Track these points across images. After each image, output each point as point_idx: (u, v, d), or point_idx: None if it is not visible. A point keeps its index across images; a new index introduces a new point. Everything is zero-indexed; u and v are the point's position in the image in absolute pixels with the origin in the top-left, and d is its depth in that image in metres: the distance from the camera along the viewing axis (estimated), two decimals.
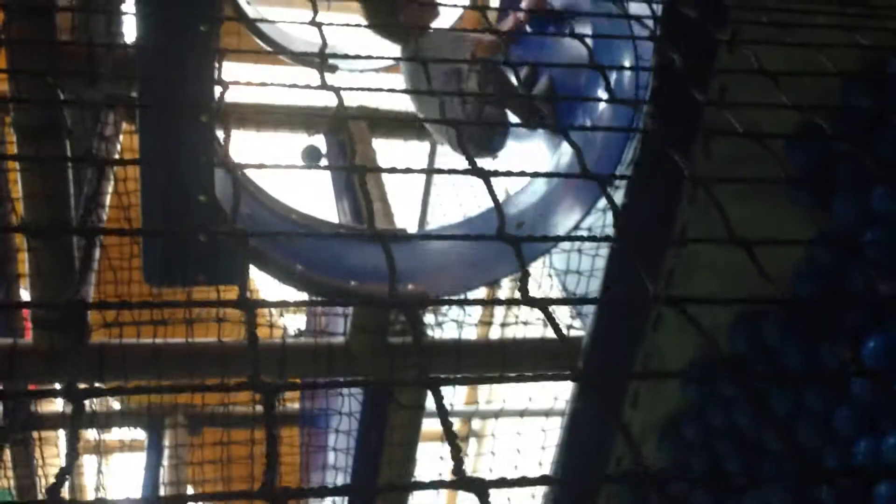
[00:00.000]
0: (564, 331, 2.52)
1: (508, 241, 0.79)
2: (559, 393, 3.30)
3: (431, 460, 4.09)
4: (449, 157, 3.71)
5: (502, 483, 0.60)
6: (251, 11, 3.72)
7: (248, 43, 4.11)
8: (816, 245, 2.21)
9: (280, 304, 0.81)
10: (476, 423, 5.56)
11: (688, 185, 2.12)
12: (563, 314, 3.07)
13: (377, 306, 2.43)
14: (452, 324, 3.11)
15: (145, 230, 2.10)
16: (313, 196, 3.81)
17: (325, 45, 1.02)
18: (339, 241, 2.73)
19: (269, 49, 3.57)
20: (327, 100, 4.09)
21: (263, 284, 4.40)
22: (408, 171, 0.94)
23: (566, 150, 2.83)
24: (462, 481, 0.57)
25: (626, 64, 2.32)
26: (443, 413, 0.63)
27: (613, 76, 2.46)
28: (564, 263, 2.74)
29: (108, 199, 3.21)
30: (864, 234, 1.98)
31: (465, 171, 0.89)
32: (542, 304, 0.75)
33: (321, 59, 0.98)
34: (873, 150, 1.85)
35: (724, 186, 2.26)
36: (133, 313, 2.70)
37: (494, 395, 4.88)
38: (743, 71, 1.30)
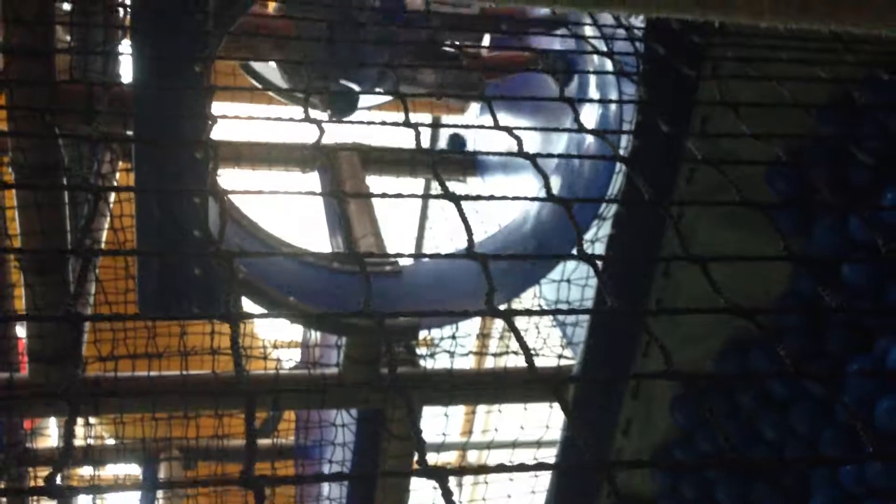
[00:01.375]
0: (556, 361, 2.54)
1: (476, 258, 0.83)
2: (551, 422, 3.32)
3: (425, 489, 4.09)
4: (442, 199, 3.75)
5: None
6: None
7: (244, 84, 4.19)
8: (799, 273, 2.26)
9: (263, 315, 0.85)
10: (472, 456, 5.56)
11: (672, 212, 2.17)
12: (554, 343, 3.10)
13: (365, 335, 2.46)
14: (445, 355, 3.14)
15: (140, 253, 2.14)
16: (308, 231, 3.86)
17: (310, 81, 1.07)
18: (330, 273, 2.77)
19: (260, 87, 3.64)
20: (322, 137, 4.16)
21: (259, 325, 4.44)
22: (384, 195, 0.99)
23: (554, 182, 2.88)
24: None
25: (613, 98, 2.38)
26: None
27: (600, 111, 2.52)
28: (555, 294, 2.78)
29: (104, 235, 3.25)
30: (843, 258, 2.04)
31: (437, 196, 0.93)
32: (506, 315, 0.79)
33: (306, 96, 1.03)
34: (847, 178, 1.91)
35: (707, 215, 2.32)
36: (128, 347, 2.73)
37: (488, 426, 4.89)
38: (722, 103, 1.36)
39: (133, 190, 2.31)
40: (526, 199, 1.04)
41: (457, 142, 4.08)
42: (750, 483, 2.43)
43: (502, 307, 2.99)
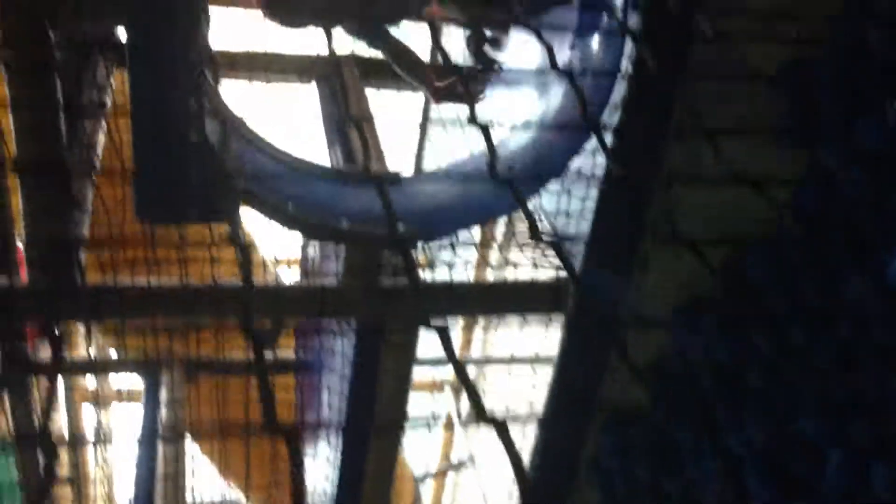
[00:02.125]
0: (554, 272, 2.53)
1: (501, 180, 0.81)
2: (549, 337, 3.34)
3: (423, 406, 4.16)
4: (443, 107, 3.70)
5: None
6: None
7: None
8: (801, 187, 2.24)
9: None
10: (471, 371, 5.62)
11: (674, 123, 2.13)
12: (552, 255, 3.09)
13: (369, 244, 2.45)
14: (445, 267, 3.14)
15: (137, 148, 2.12)
16: (306, 142, 3.82)
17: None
18: (331, 182, 2.74)
19: None
20: (319, 48, 4.09)
21: (255, 226, 4.42)
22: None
23: (555, 92, 2.83)
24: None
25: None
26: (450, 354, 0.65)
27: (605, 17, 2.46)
28: (554, 205, 2.76)
29: (100, 148, 3.22)
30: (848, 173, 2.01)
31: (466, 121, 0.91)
32: (510, 183, 0.77)
33: None
34: (857, 86, 1.87)
35: (711, 126, 2.28)
36: (127, 255, 2.72)
37: (487, 342, 4.94)
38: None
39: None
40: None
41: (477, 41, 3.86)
42: (739, 392, 2.46)
43: (503, 219, 2.98)
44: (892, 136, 1.83)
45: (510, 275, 2.95)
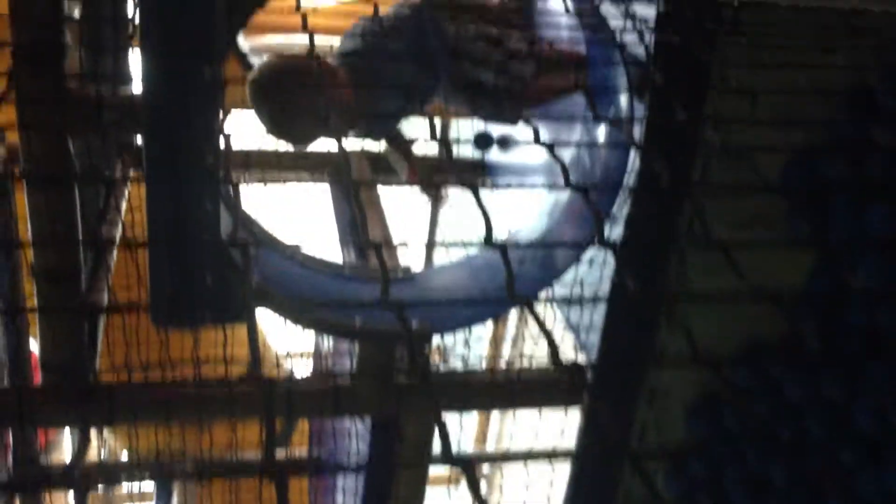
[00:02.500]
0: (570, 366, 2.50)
1: (495, 247, 0.82)
2: (565, 428, 3.30)
3: (440, 501, 4.07)
4: (454, 199, 3.75)
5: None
6: (255, 59, 3.80)
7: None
8: (816, 274, 2.23)
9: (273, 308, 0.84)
10: (485, 469, 5.53)
11: (685, 213, 2.14)
12: (567, 348, 3.08)
13: (380, 339, 2.44)
14: (459, 362, 3.12)
15: (152, 253, 2.14)
16: (320, 239, 3.85)
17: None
18: (343, 279, 2.76)
19: None
20: (330, 146, 4.17)
21: (269, 327, 4.43)
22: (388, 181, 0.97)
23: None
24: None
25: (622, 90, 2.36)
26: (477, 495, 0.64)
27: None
28: (567, 293, 2.77)
29: (114, 251, 3.25)
30: (861, 260, 2.00)
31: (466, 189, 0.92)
32: (526, 301, 0.77)
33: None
34: (866, 172, 1.88)
35: (724, 220, 2.29)
36: (141, 357, 2.72)
37: (502, 435, 4.87)
38: (735, 91, 1.34)
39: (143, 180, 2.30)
40: (543, 186, 1.02)
41: (484, 141, 3.90)
42: (764, 493, 2.40)
43: (514, 310, 2.99)
44: None
45: (524, 367, 2.93)
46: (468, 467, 0.63)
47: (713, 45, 1.32)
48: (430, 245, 4.65)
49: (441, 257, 4.53)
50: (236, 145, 3.91)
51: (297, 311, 2.51)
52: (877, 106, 1.70)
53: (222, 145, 1.63)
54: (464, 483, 4.60)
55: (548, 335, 0.75)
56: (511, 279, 0.77)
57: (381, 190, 3.97)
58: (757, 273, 2.12)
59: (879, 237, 1.82)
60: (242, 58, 3.65)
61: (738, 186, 1.04)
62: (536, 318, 0.76)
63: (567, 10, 2.38)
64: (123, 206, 2.98)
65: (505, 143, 3.18)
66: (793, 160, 1.90)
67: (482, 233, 0.89)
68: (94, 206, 2.56)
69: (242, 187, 4.08)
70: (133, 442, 4.33)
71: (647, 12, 1.40)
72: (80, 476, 3.45)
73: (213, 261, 2.23)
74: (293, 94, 2.43)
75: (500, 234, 3.08)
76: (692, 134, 1.01)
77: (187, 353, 2.81)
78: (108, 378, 2.78)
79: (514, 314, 4.23)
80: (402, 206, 4.44)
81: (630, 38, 1.36)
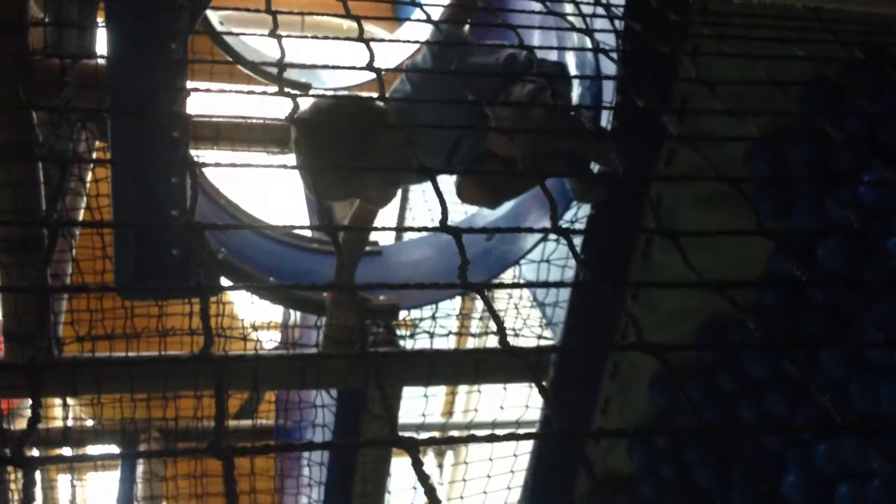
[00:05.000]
0: (536, 341, 2.53)
1: (450, 232, 0.82)
2: (531, 402, 3.33)
3: (405, 473, 4.10)
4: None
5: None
6: (223, 30, 3.74)
7: (222, 69, 4.14)
8: (776, 257, 2.27)
9: (232, 287, 0.84)
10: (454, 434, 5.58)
11: (651, 195, 2.17)
12: (534, 323, 3.11)
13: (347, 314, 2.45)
14: (426, 336, 3.14)
15: (114, 226, 2.11)
16: (289, 214, 3.84)
17: (283, 55, 1.05)
18: (311, 254, 2.75)
19: (230, 60, 3.60)
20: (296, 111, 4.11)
21: (238, 299, 4.42)
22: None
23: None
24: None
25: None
26: (420, 472, 0.65)
27: (578, 90, 2.51)
28: (534, 274, 2.78)
29: (80, 216, 3.21)
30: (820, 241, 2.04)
31: (417, 169, 0.92)
32: (479, 289, 0.78)
33: (279, 70, 1.02)
34: (826, 159, 1.91)
35: (687, 199, 2.32)
36: (106, 327, 2.70)
37: (469, 407, 4.91)
38: (700, 81, 1.35)
39: (102, 163, 2.28)
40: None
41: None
42: (726, 463, 2.45)
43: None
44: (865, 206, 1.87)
45: (491, 343, 2.95)
46: (412, 449, 0.65)
47: (680, 35, 1.34)
48: (401, 219, 4.65)
49: (411, 233, 4.54)
50: (205, 117, 3.87)
51: (264, 284, 2.51)
52: (838, 96, 1.72)
53: (187, 114, 1.62)
54: (431, 453, 4.63)
55: (496, 318, 0.76)
56: (465, 266, 0.78)
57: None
58: (720, 251, 2.16)
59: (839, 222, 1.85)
60: (211, 32, 3.59)
61: (699, 176, 1.06)
62: (486, 302, 0.77)
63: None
64: (88, 177, 2.94)
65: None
66: (756, 146, 1.92)
67: (439, 217, 0.89)
68: (59, 178, 2.52)
69: (210, 157, 4.04)
70: (97, 410, 4.32)
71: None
72: (25, 452, 3.43)
73: (178, 234, 2.22)
74: (346, 138, 1.94)
75: (458, 217, 3.08)
76: (657, 122, 1.02)
77: (152, 324, 2.80)
78: (71, 349, 2.76)
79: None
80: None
81: (600, 26, 1.35)
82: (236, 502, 0.55)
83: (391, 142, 1.89)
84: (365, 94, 2.76)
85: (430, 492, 0.59)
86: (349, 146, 1.91)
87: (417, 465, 0.61)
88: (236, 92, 3.15)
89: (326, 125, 1.91)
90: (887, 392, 1.87)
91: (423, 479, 0.60)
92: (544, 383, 2.64)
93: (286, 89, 0.94)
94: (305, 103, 2.02)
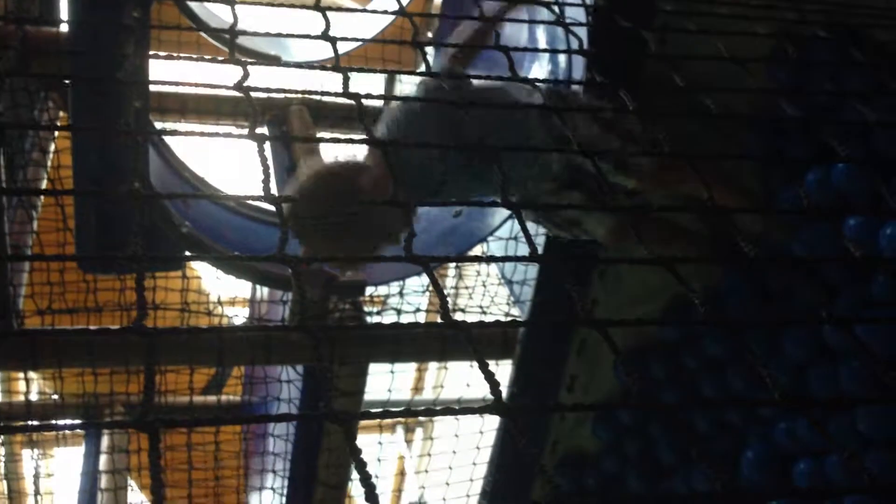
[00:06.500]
0: (504, 318, 2.52)
1: (400, 206, 0.82)
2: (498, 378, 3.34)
3: (370, 447, 4.13)
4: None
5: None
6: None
7: (189, 39, 4.07)
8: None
9: (181, 258, 0.83)
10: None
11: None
12: (501, 300, 3.11)
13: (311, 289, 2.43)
14: (394, 312, 3.13)
15: (73, 192, 2.08)
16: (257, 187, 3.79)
17: (235, 21, 1.04)
18: (275, 227, 2.73)
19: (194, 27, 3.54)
20: (272, 90, 4.06)
21: (205, 273, 4.37)
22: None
23: None
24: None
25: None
26: (353, 447, 0.64)
27: (549, 67, 2.50)
28: (502, 251, 2.78)
29: (42, 185, 3.16)
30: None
31: (364, 142, 0.91)
32: (425, 262, 0.78)
33: (231, 36, 1.00)
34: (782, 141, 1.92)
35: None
36: (67, 301, 2.67)
37: (438, 382, 4.93)
38: (661, 57, 1.34)
39: (68, 129, 2.23)
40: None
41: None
42: (688, 440, 2.48)
43: (452, 266, 2.95)
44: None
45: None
46: (347, 423, 0.64)
47: (649, 13, 1.33)
48: None
49: None
50: (172, 88, 3.80)
51: (229, 259, 2.49)
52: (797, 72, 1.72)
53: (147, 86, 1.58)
54: (400, 430, 4.63)
55: (439, 291, 0.75)
56: (410, 238, 0.78)
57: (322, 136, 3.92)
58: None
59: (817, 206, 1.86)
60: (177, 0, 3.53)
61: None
62: (434, 282, 0.77)
63: None
64: (51, 147, 2.89)
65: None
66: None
67: None
68: (19, 148, 2.47)
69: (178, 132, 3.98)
70: (60, 384, 4.28)
71: None
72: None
73: (140, 207, 2.19)
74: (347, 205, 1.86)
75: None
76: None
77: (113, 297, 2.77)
78: (33, 322, 2.73)
79: (452, 268, 4.25)
80: (342, 153, 4.37)
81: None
82: (161, 475, 0.54)
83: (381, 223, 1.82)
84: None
85: (361, 466, 0.59)
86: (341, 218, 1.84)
87: (351, 438, 0.61)
88: (185, 58, 3.08)
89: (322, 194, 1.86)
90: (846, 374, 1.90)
91: (355, 452, 0.60)
92: (510, 361, 2.65)
93: (240, 58, 0.92)
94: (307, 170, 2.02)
